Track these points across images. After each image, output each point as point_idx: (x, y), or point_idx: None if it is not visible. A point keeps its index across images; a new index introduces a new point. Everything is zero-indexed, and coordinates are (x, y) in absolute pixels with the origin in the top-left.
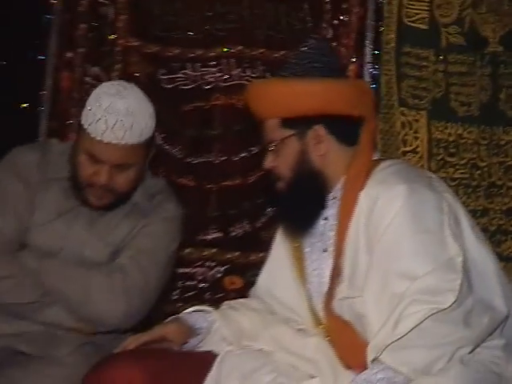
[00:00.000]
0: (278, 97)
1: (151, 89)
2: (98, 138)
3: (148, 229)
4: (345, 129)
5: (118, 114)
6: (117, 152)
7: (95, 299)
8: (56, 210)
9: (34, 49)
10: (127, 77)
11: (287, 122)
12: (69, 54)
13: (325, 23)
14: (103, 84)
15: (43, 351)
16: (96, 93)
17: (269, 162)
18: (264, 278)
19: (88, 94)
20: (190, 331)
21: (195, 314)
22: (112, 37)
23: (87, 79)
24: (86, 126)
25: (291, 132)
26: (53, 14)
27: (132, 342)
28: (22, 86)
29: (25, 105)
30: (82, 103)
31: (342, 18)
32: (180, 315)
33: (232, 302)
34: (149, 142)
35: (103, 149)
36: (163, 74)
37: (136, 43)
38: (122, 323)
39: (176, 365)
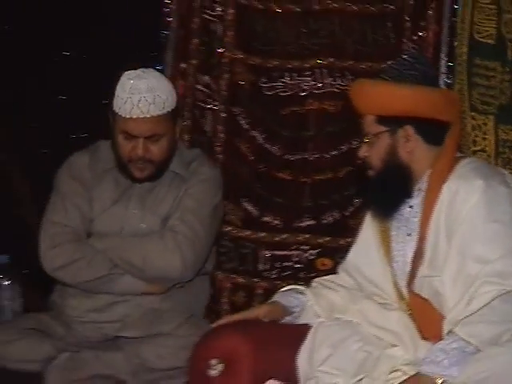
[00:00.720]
0: (375, 96)
1: (254, 95)
2: (128, 116)
3: (189, 191)
4: (431, 131)
5: (140, 91)
6: (146, 125)
7: (154, 260)
8: (111, 197)
9: (153, 60)
10: (233, 85)
11: (382, 120)
12: (183, 65)
13: (405, 39)
14: (125, 73)
15: (150, 331)
16: (121, 81)
17: (363, 151)
18: (353, 256)
19: (199, 100)
20: (285, 311)
21: (290, 295)
22: (220, 50)
23: (198, 87)
24: (117, 110)
25: (384, 128)
26: (169, 30)
27: (227, 320)
28: None
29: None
30: (194, 108)
31: (420, 34)
32: (276, 297)
33: (323, 280)
34: (173, 114)
35: (134, 124)
36: (264, 83)
37: (241, 55)
38: (182, 275)
39: (275, 335)
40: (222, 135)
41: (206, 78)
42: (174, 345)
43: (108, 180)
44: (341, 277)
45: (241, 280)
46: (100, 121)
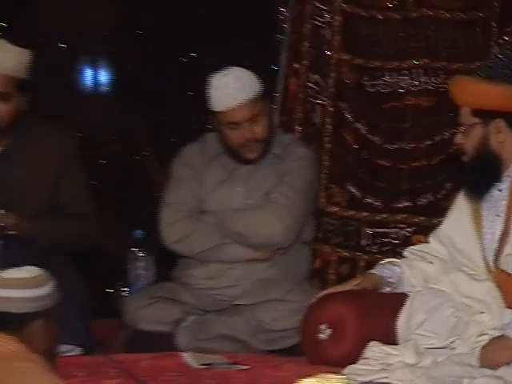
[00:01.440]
0: (472, 91)
1: (358, 92)
2: (226, 108)
3: (287, 168)
4: None
5: (228, 85)
6: (243, 110)
7: (257, 228)
8: (219, 178)
9: (269, 61)
10: (340, 83)
11: (476, 112)
12: (295, 65)
13: (492, 42)
14: (213, 76)
15: (260, 298)
16: (210, 83)
17: (459, 139)
18: (446, 227)
19: (310, 96)
20: (382, 282)
21: (386, 268)
22: (328, 52)
23: (309, 84)
24: (216, 109)
25: (478, 120)
26: (284, 34)
27: (330, 290)
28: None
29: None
30: (305, 103)
31: (506, 38)
32: (374, 269)
33: (417, 250)
34: (263, 97)
35: (233, 113)
36: (367, 81)
37: (347, 57)
38: (283, 240)
39: (376, 303)
40: (329, 127)
41: (316, 77)
42: (286, 309)
43: (215, 165)
44: (432, 246)
45: (345, 254)
46: None
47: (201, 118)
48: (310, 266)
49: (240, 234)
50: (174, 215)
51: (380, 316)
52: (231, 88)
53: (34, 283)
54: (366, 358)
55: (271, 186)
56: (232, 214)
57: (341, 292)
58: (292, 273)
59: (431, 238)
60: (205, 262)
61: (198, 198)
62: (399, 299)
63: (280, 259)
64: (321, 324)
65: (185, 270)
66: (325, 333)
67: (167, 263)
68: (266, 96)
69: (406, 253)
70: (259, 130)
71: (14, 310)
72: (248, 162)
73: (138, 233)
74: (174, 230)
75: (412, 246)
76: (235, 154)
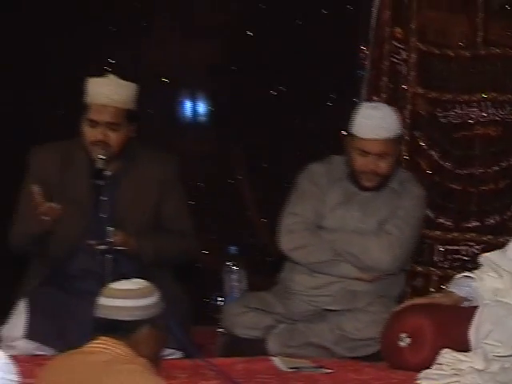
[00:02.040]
0: None
1: (431, 122)
2: (365, 137)
3: (402, 204)
4: None
5: (375, 118)
6: (377, 145)
7: (370, 253)
8: (339, 200)
9: (351, 94)
10: (415, 114)
11: None
12: (375, 98)
13: None
14: (363, 104)
15: (346, 306)
16: (360, 109)
17: None
18: None
19: None
20: (460, 301)
21: (464, 285)
22: (405, 86)
23: None
24: (355, 133)
25: None
26: (364, 70)
27: (415, 301)
28: (343, 120)
29: (344, 132)
30: None
31: None
32: (453, 287)
33: (492, 261)
34: (398, 140)
35: (368, 144)
36: (440, 112)
37: (421, 91)
38: (391, 268)
39: (452, 316)
40: (405, 154)
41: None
42: (368, 319)
43: (338, 187)
44: (506, 259)
45: (420, 269)
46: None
47: (290, 146)
48: (403, 289)
49: (353, 255)
50: (295, 225)
51: (455, 327)
52: (378, 122)
53: (142, 294)
54: (439, 364)
55: (385, 216)
56: (349, 235)
57: (421, 304)
58: (382, 290)
59: (508, 252)
60: (313, 273)
61: (318, 213)
62: (472, 312)
63: (381, 282)
64: (401, 333)
65: (292, 275)
66: (405, 341)
67: (258, 275)
68: (399, 141)
69: (481, 259)
70: (383, 166)
71: (123, 318)
72: (364, 189)
73: (233, 249)
74: (293, 238)
75: (488, 253)
76: (355, 179)
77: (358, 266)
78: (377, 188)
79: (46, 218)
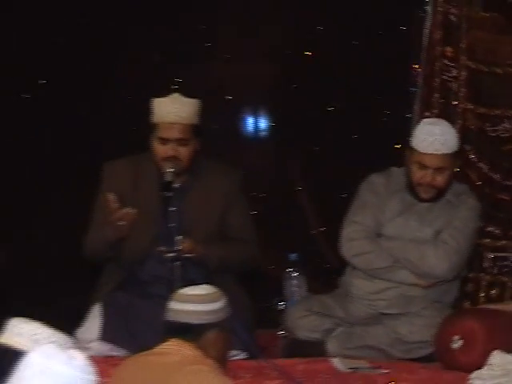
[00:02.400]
0: None
1: (481, 136)
2: (424, 152)
3: (458, 215)
4: None
5: (435, 134)
6: (436, 159)
7: (428, 260)
8: (397, 210)
9: (404, 110)
10: (465, 128)
11: None
12: (427, 113)
13: None
14: (424, 120)
15: (402, 310)
16: (421, 124)
17: None
18: None
19: None
20: None
21: None
22: (455, 102)
23: None
24: (415, 146)
25: None
26: (417, 87)
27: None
28: (396, 134)
29: (398, 146)
30: None
31: None
32: None
33: None
34: (455, 154)
35: (427, 158)
36: (489, 127)
37: (471, 107)
38: (447, 275)
39: (504, 320)
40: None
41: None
42: (421, 323)
43: (396, 197)
44: None
45: (470, 275)
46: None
47: (346, 159)
48: (457, 294)
49: (411, 262)
50: (356, 233)
51: (506, 331)
52: (437, 137)
53: (210, 299)
54: (490, 365)
55: (441, 226)
56: (407, 243)
57: (474, 309)
58: (440, 300)
59: None
60: (372, 278)
61: (378, 222)
62: None
63: (436, 288)
64: (454, 335)
65: (352, 279)
66: (457, 343)
67: (317, 281)
68: (457, 156)
69: None
70: (440, 180)
71: (192, 321)
72: (421, 200)
73: (293, 256)
74: (353, 245)
75: None
76: (413, 190)
77: (415, 273)
78: (433, 200)
79: (122, 223)
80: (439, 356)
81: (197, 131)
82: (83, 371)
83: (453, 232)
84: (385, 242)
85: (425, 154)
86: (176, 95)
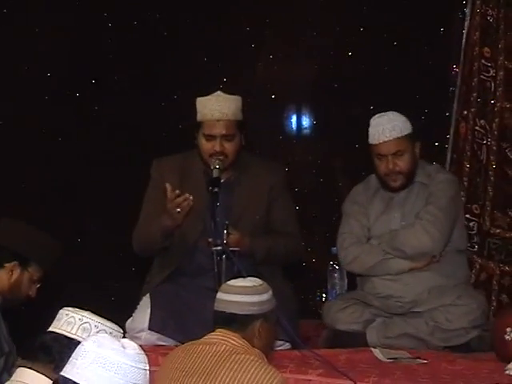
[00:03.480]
0: None
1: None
2: (377, 142)
3: (431, 191)
4: None
5: (382, 124)
6: (389, 146)
7: (410, 242)
8: (380, 209)
9: (443, 109)
10: (502, 126)
11: None
12: (465, 112)
13: None
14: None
15: (435, 304)
16: (370, 123)
17: None
18: None
19: (477, 138)
20: None
21: None
22: (493, 101)
23: (476, 128)
24: (371, 142)
25: None
26: (455, 87)
27: None
28: (435, 132)
29: (436, 143)
30: (473, 143)
31: None
32: None
33: None
34: (409, 138)
35: (382, 147)
36: None
37: (508, 105)
38: (432, 249)
39: None
40: (493, 163)
41: (482, 122)
42: (458, 311)
43: (376, 198)
44: None
45: (507, 268)
46: None
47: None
48: (469, 271)
49: (397, 249)
50: (346, 242)
51: None
52: (384, 125)
53: (257, 291)
54: None
55: (421, 208)
56: (389, 234)
57: None
58: (453, 277)
59: None
60: (376, 277)
61: (365, 227)
62: None
63: (439, 267)
64: (508, 327)
65: (363, 285)
66: (510, 335)
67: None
68: (413, 135)
69: None
70: (401, 164)
71: (240, 312)
72: (394, 190)
73: (334, 249)
74: (347, 253)
75: None
76: (383, 183)
77: (405, 258)
78: (405, 186)
79: (178, 210)
80: (495, 347)
81: (241, 127)
82: (135, 360)
83: (428, 208)
84: (375, 241)
85: (378, 143)
86: (219, 93)
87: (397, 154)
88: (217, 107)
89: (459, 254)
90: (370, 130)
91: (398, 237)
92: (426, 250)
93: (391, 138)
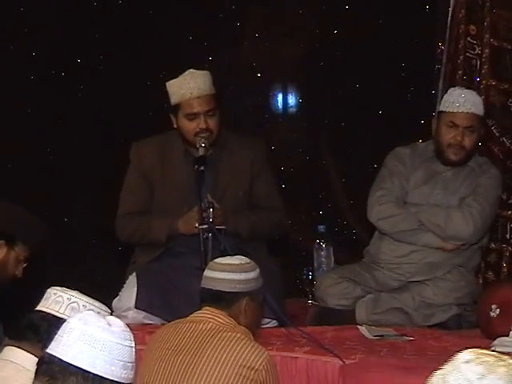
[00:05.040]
0: None
1: (504, 112)
2: (456, 110)
3: (481, 182)
4: None
5: (465, 96)
6: (466, 118)
7: (453, 223)
8: (422, 179)
9: (429, 87)
10: (488, 104)
11: None
12: None
13: None
14: (452, 88)
15: (427, 275)
16: (449, 91)
17: None
18: None
19: None
20: None
21: None
22: (478, 79)
23: None
24: (447, 109)
25: None
26: (441, 65)
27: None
28: (421, 110)
29: (422, 121)
30: None
31: None
32: None
33: None
34: (482, 119)
35: (459, 117)
36: (511, 102)
37: (494, 83)
38: (471, 237)
39: None
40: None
41: None
42: (446, 286)
43: (422, 167)
44: None
45: (493, 245)
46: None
47: (372, 134)
48: (480, 263)
49: (437, 225)
50: (384, 198)
51: None
52: (467, 98)
53: (244, 268)
54: None
55: (465, 193)
56: (433, 208)
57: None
58: (463, 266)
59: None
60: (397, 242)
61: (404, 190)
62: None
63: (459, 254)
64: (492, 304)
65: (378, 247)
66: (495, 312)
67: (344, 252)
68: (483, 120)
69: None
70: (468, 141)
71: (226, 289)
72: (449, 163)
73: (321, 227)
74: (381, 209)
75: None
76: (441, 154)
77: (441, 236)
78: (461, 162)
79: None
80: (480, 324)
81: (218, 100)
82: (121, 337)
83: (477, 197)
84: (411, 208)
85: (456, 112)
86: (192, 70)
87: (468, 129)
88: (193, 85)
89: (478, 248)
90: (449, 98)
91: (441, 214)
92: (464, 237)
93: (470, 112)
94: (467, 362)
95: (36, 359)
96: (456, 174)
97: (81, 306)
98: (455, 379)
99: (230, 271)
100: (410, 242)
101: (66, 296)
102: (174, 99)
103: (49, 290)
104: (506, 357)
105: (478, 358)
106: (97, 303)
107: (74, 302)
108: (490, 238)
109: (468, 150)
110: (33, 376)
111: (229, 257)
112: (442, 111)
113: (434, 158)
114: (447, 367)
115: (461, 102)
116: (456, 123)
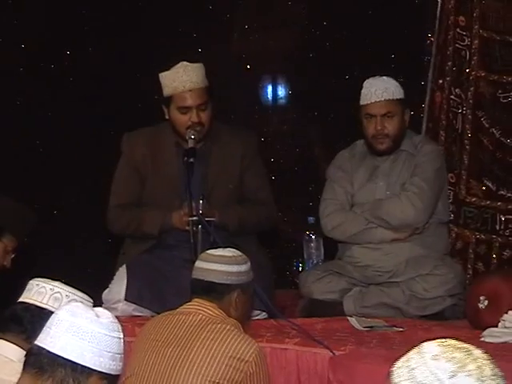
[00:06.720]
0: None
1: (493, 103)
2: (368, 102)
3: (417, 162)
4: None
5: (375, 85)
6: (380, 106)
7: (395, 213)
8: (365, 177)
9: (419, 78)
10: (477, 95)
11: None
12: (440, 81)
13: None
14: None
15: (413, 274)
16: (363, 85)
17: None
18: None
19: (453, 107)
20: None
21: None
22: (468, 70)
23: (451, 97)
24: (362, 103)
25: None
26: (430, 56)
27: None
28: (410, 101)
29: (412, 112)
30: (448, 112)
31: None
32: None
33: None
34: (401, 102)
35: (373, 107)
36: (501, 93)
37: (483, 74)
38: (416, 221)
39: None
40: (469, 132)
41: (458, 91)
42: (435, 281)
43: (362, 166)
44: None
45: (482, 236)
46: None
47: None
48: (449, 242)
49: (381, 219)
50: (327, 209)
51: None
52: (377, 86)
53: (236, 261)
54: (503, 321)
55: (406, 178)
56: (374, 203)
57: (500, 270)
58: (433, 249)
59: None
60: (357, 245)
61: (349, 193)
62: None
63: (420, 238)
64: (481, 296)
65: (343, 252)
66: (483, 303)
67: (333, 244)
68: (404, 102)
69: None
70: (389, 127)
71: (217, 280)
72: (379, 153)
73: (311, 219)
74: (329, 219)
75: None
76: (370, 145)
77: (389, 228)
78: (391, 150)
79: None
80: (468, 315)
81: (211, 93)
82: (109, 328)
83: (414, 180)
84: (358, 209)
85: (369, 103)
86: (185, 63)
87: (386, 116)
88: (186, 78)
89: (442, 225)
90: (363, 91)
91: (382, 207)
92: (410, 222)
93: (382, 99)
94: (435, 357)
95: (20, 350)
96: (393, 161)
97: (64, 297)
98: (423, 375)
99: (222, 263)
100: (365, 242)
101: (48, 287)
102: (166, 91)
103: (31, 282)
104: (472, 347)
105: (446, 353)
106: (79, 293)
107: (56, 293)
108: (480, 230)
109: (393, 136)
110: (17, 367)
111: (221, 249)
112: (360, 106)
113: (369, 152)
114: (413, 359)
115: (372, 91)
116: (372, 113)
